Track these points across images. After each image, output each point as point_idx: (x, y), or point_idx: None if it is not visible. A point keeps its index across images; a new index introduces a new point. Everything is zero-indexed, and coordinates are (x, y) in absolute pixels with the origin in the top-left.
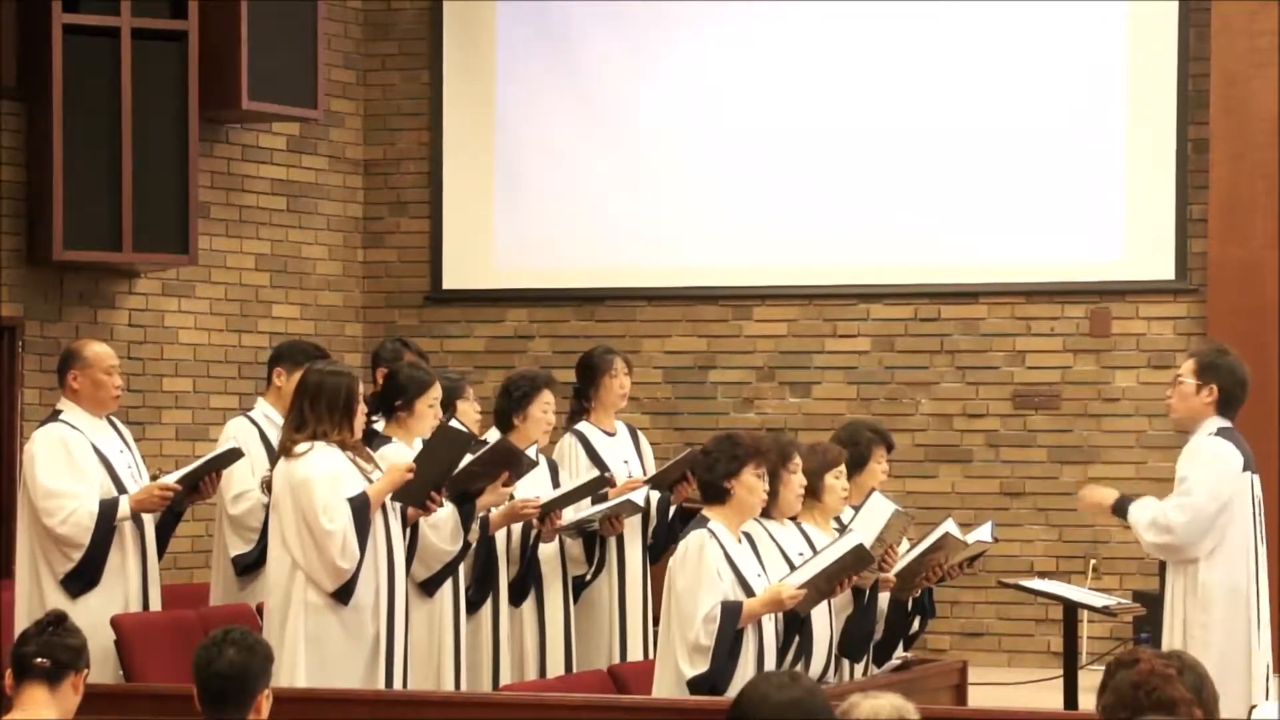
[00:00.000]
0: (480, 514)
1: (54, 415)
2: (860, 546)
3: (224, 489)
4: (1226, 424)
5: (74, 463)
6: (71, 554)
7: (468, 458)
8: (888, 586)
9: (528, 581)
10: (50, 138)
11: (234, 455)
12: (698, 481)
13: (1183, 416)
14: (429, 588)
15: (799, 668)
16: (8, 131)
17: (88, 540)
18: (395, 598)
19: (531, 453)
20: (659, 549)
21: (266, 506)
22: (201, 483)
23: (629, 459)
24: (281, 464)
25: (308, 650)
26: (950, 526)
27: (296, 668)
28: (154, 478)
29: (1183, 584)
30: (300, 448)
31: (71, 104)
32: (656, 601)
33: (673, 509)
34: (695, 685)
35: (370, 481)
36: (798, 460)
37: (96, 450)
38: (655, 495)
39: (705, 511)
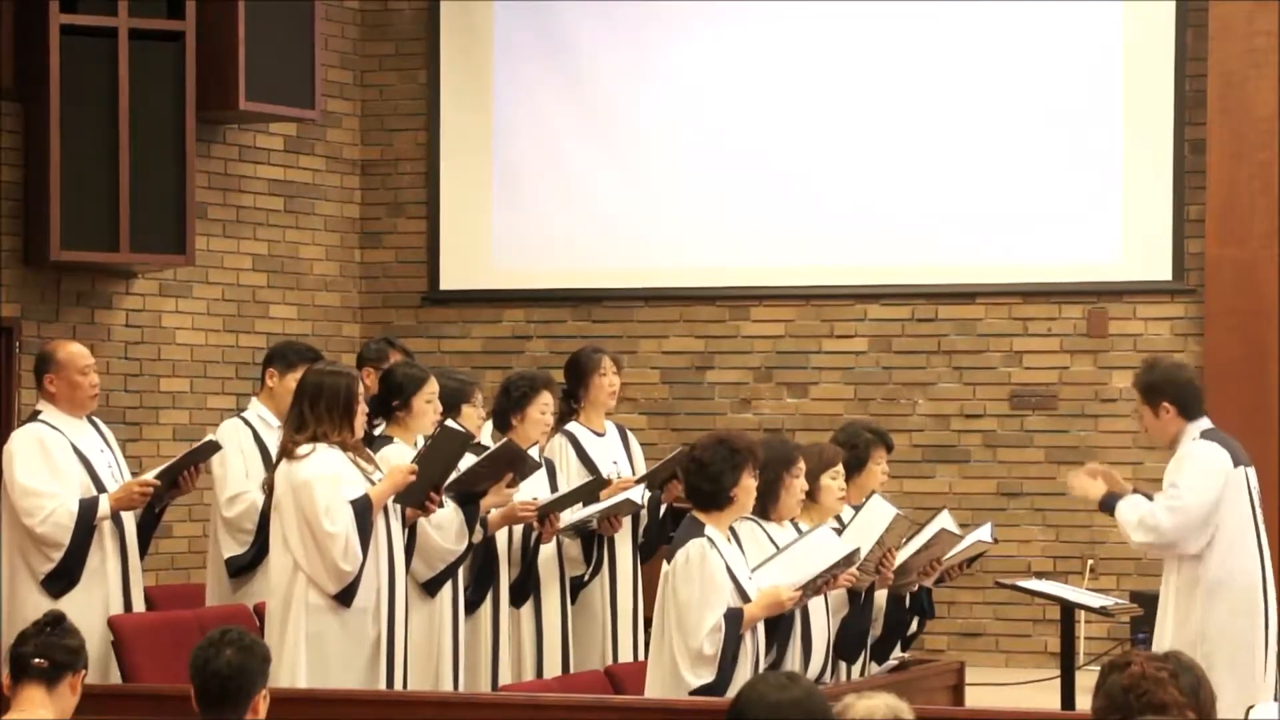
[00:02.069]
0: (482, 514)
1: (33, 416)
2: (855, 552)
3: (218, 490)
4: (1207, 425)
5: (52, 462)
6: (52, 554)
7: (470, 458)
8: (885, 584)
9: (529, 583)
10: (47, 138)
11: (212, 448)
12: (693, 490)
13: (1163, 440)
14: (432, 588)
15: (798, 669)
16: (5, 132)
17: (68, 540)
18: (396, 599)
19: (533, 454)
20: (650, 548)
21: (261, 508)
22: (181, 478)
23: (618, 459)
24: (283, 466)
25: (309, 651)
26: (945, 521)
27: (297, 669)
28: None
29: (1176, 582)
30: (302, 449)
31: (69, 104)
32: (648, 601)
33: (663, 508)
34: (702, 695)
35: (371, 483)
36: (801, 465)
37: (76, 450)
38: (646, 494)
39: (699, 516)
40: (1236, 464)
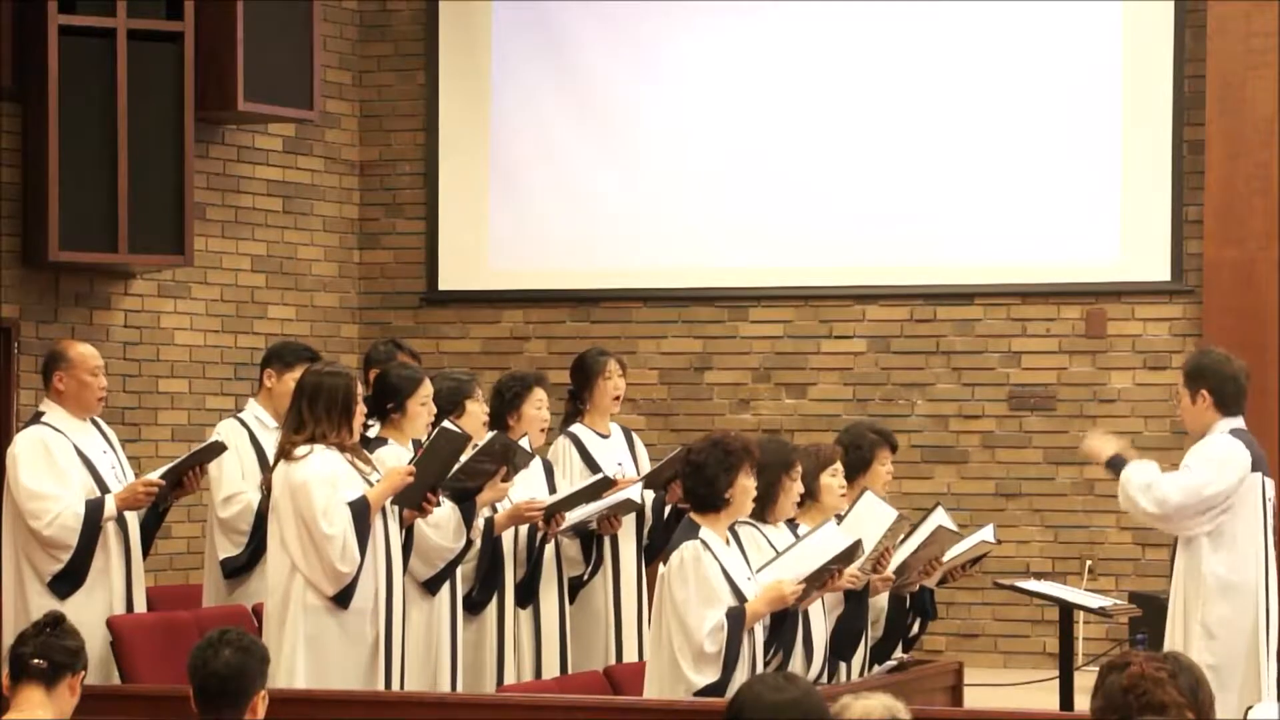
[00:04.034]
0: (483, 511)
1: (36, 418)
2: (857, 543)
3: (214, 491)
4: (1238, 424)
5: (55, 464)
6: (59, 555)
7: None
8: (886, 586)
9: (534, 583)
10: (46, 139)
11: (217, 449)
12: (689, 492)
13: (1194, 428)
14: (432, 586)
15: (801, 670)
16: (4, 132)
17: (75, 541)
18: (394, 600)
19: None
20: (654, 549)
21: (257, 509)
22: (185, 478)
23: (623, 461)
24: (281, 466)
25: (307, 652)
26: (941, 518)
27: (295, 670)
28: None
29: (1184, 578)
30: (299, 450)
31: (67, 105)
32: (652, 602)
33: (667, 509)
34: (707, 694)
35: (369, 484)
36: (799, 467)
37: (79, 451)
38: (649, 495)
39: (695, 518)
40: (1256, 469)
